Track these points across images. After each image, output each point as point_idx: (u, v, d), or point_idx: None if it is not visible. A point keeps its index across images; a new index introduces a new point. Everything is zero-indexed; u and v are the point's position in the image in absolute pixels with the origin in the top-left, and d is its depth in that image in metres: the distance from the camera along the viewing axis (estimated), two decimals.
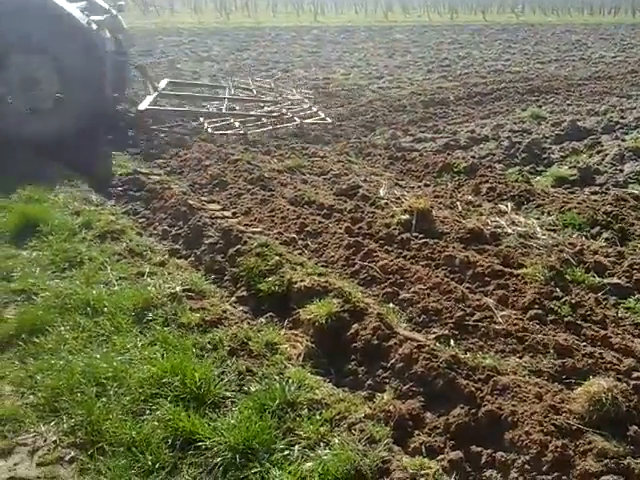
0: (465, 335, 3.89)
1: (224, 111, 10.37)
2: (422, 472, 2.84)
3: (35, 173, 6.99)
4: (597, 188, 6.97)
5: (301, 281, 4.41)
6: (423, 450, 3.02)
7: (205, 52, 19.87)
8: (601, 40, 25.59)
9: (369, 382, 3.57)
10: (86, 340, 3.93)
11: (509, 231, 5.51)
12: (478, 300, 4.24)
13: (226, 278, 4.86)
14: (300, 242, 5.36)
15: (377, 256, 4.94)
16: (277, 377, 3.49)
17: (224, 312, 4.26)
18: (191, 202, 6.17)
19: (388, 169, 7.92)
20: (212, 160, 7.81)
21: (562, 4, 42.60)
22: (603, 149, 8.47)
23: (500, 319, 3.99)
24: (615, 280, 4.61)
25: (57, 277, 4.81)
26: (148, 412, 3.27)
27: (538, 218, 5.91)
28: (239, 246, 5.11)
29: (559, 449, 2.85)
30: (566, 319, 4.04)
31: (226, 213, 6.05)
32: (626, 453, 2.86)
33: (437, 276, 4.60)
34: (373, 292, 4.49)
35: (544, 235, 5.46)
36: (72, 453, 3.09)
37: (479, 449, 2.98)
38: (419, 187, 7.15)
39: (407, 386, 3.41)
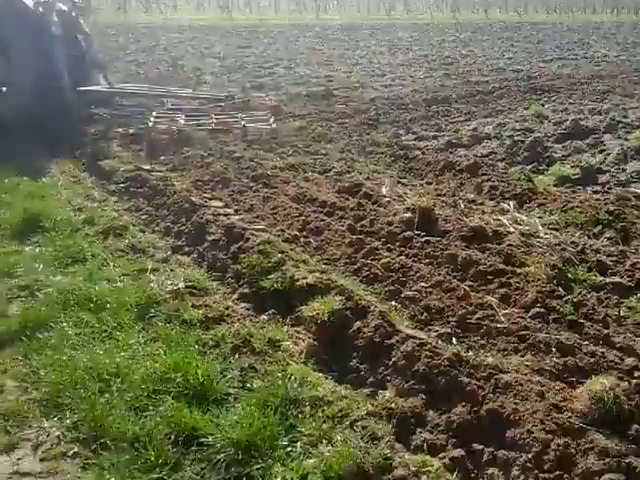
0: (467, 333, 3.89)
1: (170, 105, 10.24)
2: (424, 469, 2.86)
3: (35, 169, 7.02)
4: (599, 187, 6.96)
5: (303, 278, 4.42)
6: (425, 447, 3.03)
7: (207, 49, 19.88)
8: (603, 39, 25.60)
9: (371, 379, 3.57)
10: (89, 336, 3.95)
11: (511, 230, 5.51)
12: (480, 298, 4.24)
13: (229, 275, 4.87)
14: (302, 239, 5.36)
15: (379, 254, 4.94)
16: (280, 374, 3.50)
17: (227, 309, 4.28)
18: (194, 199, 6.18)
19: (390, 167, 7.91)
20: (214, 157, 7.82)
21: (564, 3, 42.56)
22: (606, 148, 8.47)
23: (502, 317, 3.99)
24: (617, 279, 4.61)
25: (60, 273, 4.83)
26: (151, 408, 3.27)
27: (540, 217, 5.91)
28: (242, 243, 5.12)
29: (561, 447, 2.85)
30: (568, 318, 4.03)
31: (229, 210, 6.06)
32: (628, 452, 2.87)
33: (439, 274, 4.60)
34: (375, 290, 4.49)
35: (546, 234, 5.46)
36: (75, 448, 3.10)
37: (481, 447, 2.98)
38: (421, 185, 7.15)
39: (409, 384, 3.41)
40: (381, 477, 2.82)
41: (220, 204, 6.23)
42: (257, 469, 2.88)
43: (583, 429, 2.98)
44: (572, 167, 7.65)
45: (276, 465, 2.89)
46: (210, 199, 6.36)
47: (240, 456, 2.94)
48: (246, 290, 4.61)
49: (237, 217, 5.81)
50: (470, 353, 3.60)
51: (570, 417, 3.05)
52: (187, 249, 5.45)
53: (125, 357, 3.68)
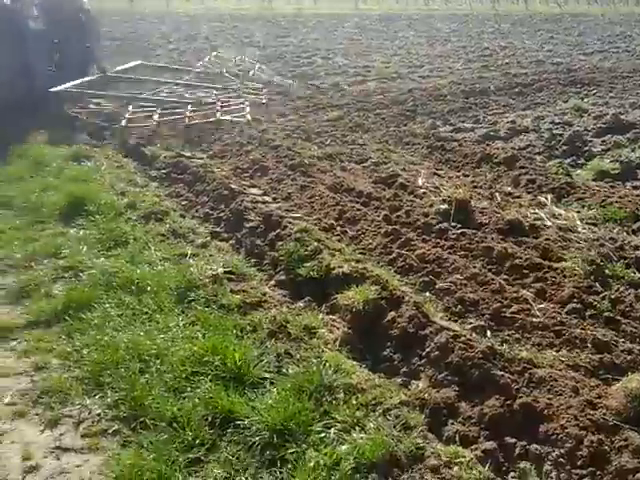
0: (502, 327, 3.90)
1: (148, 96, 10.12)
2: (456, 460, 2.89)
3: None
4: (639, 183, 6.86)
5: (339, 267, 4.47)
6: (457, 439, 3.06)
7: (247, 38, 19.95)
8: None
9: (404, 369, 3.61)
10: (130, 317, 4.05)
11: (548, 224, 5.47)
12: (516, 292, 4.23)
13: (266, 262, 4.94)
14: (339, 229, 5.40)
15: (415, 245, 4.96)
16: (315, 360, 3.56)
17: (264, 295, 4.36)
18: (233, 186, 6.26)
19: (427, 158, 7.89)
20: (253, 145, 7.90)
21: None
22: None
23: (538, 312, 3.98)
24: None
25: (103, 255, 4.96)
26: (189, 389, 3.35)
27: (578, 211, 5.85)
28: (279, 231, 5.19)
29: (595, 444, 2.85)
30: (605, 314, 4.01)
31: (267, 198, 6.13)
32: None
33: (474, 267, 4.60)
34: (410, 280, 4.51)
35: (584, 229, 5.41)
36: (115, 426, 3.20)
37: (513, 440, 3.00)
38: (458, 177, 7.12)
39: (442, 375, 3.43)
40: (413, 466, 2.86)
41: (258, 192, 6.31)
42: (291, 453, 2.93)
43: (617, 426, 2.97)
44: (611, 162, 7.53)
45: (310, 450, 2.94)
46: (249, 187, 6.44)
47: (275, 440, 3.00)
48: (283, 277, 4.68)
49: (275, 205, 5.89)
50: (504, 347, 3.61)
51: (605, 414, 3.04)
52: (226, 235, 5.53)
53: (165, 339, 3.77)
